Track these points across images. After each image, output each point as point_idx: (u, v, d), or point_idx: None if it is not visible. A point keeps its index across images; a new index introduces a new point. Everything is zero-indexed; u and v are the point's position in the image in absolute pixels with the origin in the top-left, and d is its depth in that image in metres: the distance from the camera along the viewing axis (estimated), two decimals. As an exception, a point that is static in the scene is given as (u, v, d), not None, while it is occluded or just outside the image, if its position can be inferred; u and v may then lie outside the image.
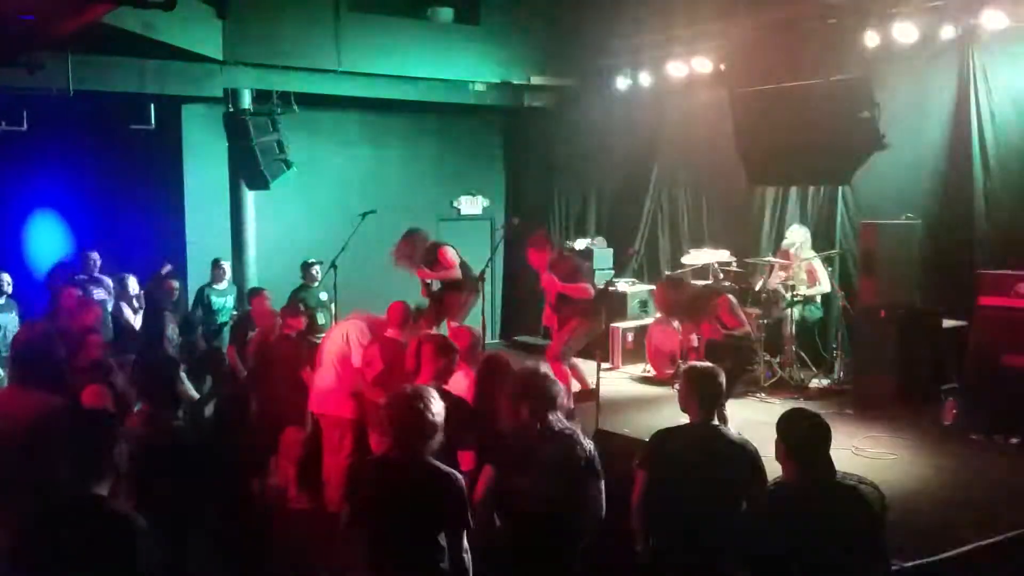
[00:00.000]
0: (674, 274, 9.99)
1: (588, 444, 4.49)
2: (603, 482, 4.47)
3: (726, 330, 7.54)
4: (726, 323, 7.56)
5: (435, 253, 8.94)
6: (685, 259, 10.40)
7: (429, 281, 9.09)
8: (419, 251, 8.91)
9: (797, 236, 9.61)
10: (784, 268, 9.58)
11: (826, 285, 9.52)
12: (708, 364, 4.70)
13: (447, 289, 9.05)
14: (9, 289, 8.72)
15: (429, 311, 8.24)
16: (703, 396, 4.49)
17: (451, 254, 8.94)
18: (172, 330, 9.17)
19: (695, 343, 8.33)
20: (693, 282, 9.38)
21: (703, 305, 7.75)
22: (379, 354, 6.63)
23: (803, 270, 9.53)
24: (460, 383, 5.55)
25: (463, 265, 9.04)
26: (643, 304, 11.24)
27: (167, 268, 9.91)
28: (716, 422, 4.56)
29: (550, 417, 4.40)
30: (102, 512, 3.33)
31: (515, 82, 12.20)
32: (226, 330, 9.86)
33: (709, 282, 9.65)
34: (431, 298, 8.96)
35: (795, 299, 9.35)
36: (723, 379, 4.56)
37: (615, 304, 10.83)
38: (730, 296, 7.87)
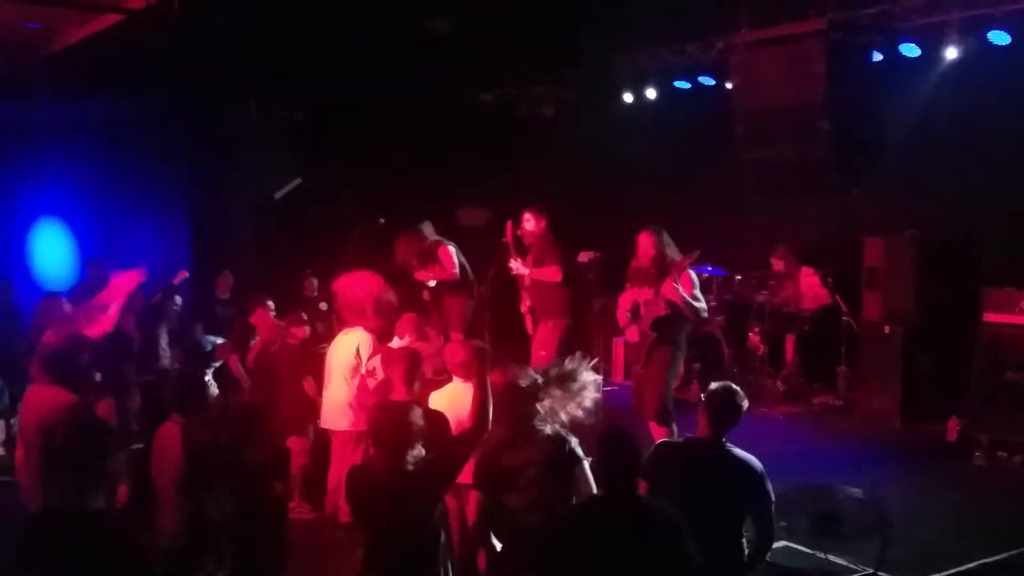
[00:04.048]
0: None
1: (570, 439, 4.41)
2: (587, 462, 4.37)
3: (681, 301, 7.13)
4: (684, 293, 7.20)
5: (435, 252, 8.48)
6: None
7: (431, 284, 8.76)
8: (419, 250, 8.57)
9: (792, 252, 9.61)
10: (787, 283, 9.57)
11: (829, 301, 9.50)
12: (730, 385, 4.58)
13: (446, 293, 8.62)
14: None
15: (432, 320, 8.06)
16: (723, 416, 4.42)
17: (452, 254, 8.48)
18: (165, 340, 9.14)
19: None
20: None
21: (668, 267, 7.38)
22: (382, 364, 6.61)
23: (806, 285, 9.53)
24: (465, 396, 5.48)
25: (463, 268, 8.63)
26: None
27: (181, 277, 9.75)
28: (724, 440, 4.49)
29: (531, 425, 4.37)
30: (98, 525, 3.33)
31: (517, 92, 12.21)
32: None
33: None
34: (432, 305, 8.68)
35: (798, 314, 9.34)
36: (744, 404, 4.46)
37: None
38: (694, 276, 7.55)
